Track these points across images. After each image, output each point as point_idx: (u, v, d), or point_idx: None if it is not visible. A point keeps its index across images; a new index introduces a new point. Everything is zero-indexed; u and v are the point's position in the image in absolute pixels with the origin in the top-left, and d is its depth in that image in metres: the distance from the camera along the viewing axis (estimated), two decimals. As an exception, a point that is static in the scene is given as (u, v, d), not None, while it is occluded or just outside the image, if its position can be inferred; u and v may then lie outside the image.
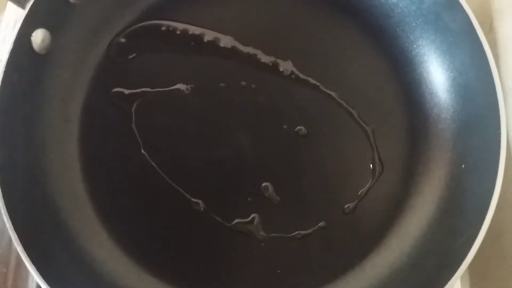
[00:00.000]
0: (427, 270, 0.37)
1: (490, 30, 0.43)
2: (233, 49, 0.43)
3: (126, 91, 0.42)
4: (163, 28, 0.44)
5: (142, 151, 0.41)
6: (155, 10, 0.44)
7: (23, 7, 0.39)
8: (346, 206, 0.40)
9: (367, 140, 0.42)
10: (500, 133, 0.37)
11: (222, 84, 0.43)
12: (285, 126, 0.42)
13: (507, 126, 0.37)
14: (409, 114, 0.43)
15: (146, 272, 0.39)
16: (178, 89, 0.43)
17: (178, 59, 0.44)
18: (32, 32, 0.38)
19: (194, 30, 0.44)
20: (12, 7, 0.50)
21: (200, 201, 0.40)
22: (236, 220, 0.40)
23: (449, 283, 0.34)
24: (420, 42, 0.43)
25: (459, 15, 0.39)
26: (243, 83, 0.43)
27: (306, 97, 0.43)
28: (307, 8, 0.45)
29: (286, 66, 0.43)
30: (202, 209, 0.40)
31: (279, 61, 0.43)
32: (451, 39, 0.41)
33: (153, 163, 0.40)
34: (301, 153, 0.42)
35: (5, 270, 0.42)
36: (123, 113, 0.42)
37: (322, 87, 0.43)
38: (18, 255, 0.41)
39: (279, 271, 0.39)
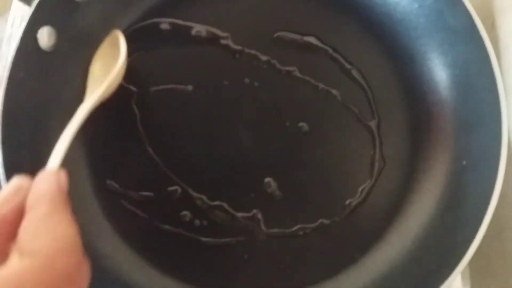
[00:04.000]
0: (427, 266, 0.37)
1: (492, 28, 0.44)
2: (236, 47, 0.44)
3: (131, 88, 0.43)
4: (167, 26, 0.44)
5: (147, 147, 0.41)
6: (159, 8, 0.44)
7: (29, 4, 0.39)
8: (347, 202, 0.41)
9: (369, 137, 0.42)
10: (501, 130, 0.37)
11: (226, 82, 0.43)
12: (287, 123, 0.42)
13: (508, 123, 0.37)
14: (411, 112, 0.43)
15: (150, 266, 0.39)
16: (182, 87, 0.43)
17: (182, 56, 0.44)
18: (38, 29, 0.38)
19: (198, 28, 0.44)
20: (17, 5, 0.50)
21: (203, 196, 0.40)
22: (238, 215, 0.40)
23: (449, 278, 0.34)
24: (421, 40, 0.43)
25: (461, 13, 0.40)
26: (247, 80, 0.43)
27: (308, 95, 0.43)
28: (308, 7, 0.45)
29: (288, 65, 0.44)
30: (205, 204, 0.40)
31: (281, 59, 0.44)
32: (453, 37, 0.41)
33: (158, 160, 0.41)
34: (303, 149, 0.42)
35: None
36: (128, 110, 0.42)
37: (324, 85, 0.43)
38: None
39: (280, 266, 0.39)
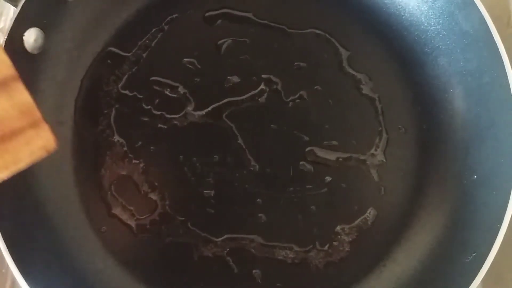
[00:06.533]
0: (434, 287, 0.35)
1: (508, 25, 0.42)
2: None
3: (120, 92, 0.41)
4: (160, 32, 0.42)
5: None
6: (150, 9, 0.43)
7: (15, 5, 0.38)
8: (354, 220, 0.39)
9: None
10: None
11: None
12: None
13: (523, 135, 0.35)
14: (421, 121, 0.41)
15: (140, 282, 0.38)
16: (177, 91, 0.41)
17: (179, 60, 0.42)
18: (24, 31, 0.36)
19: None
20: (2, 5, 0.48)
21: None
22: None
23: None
24: (432, 44, 0.41)
25: (473, 15, 0.37)
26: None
27: (312, 98, 0.41)
28: (316, 7, 0.44)
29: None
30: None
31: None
32: (465, 41, 0.39)
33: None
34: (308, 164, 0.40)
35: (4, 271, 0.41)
36: (117, 115, 0.41)
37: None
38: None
39: (278, 284, 0.38)
